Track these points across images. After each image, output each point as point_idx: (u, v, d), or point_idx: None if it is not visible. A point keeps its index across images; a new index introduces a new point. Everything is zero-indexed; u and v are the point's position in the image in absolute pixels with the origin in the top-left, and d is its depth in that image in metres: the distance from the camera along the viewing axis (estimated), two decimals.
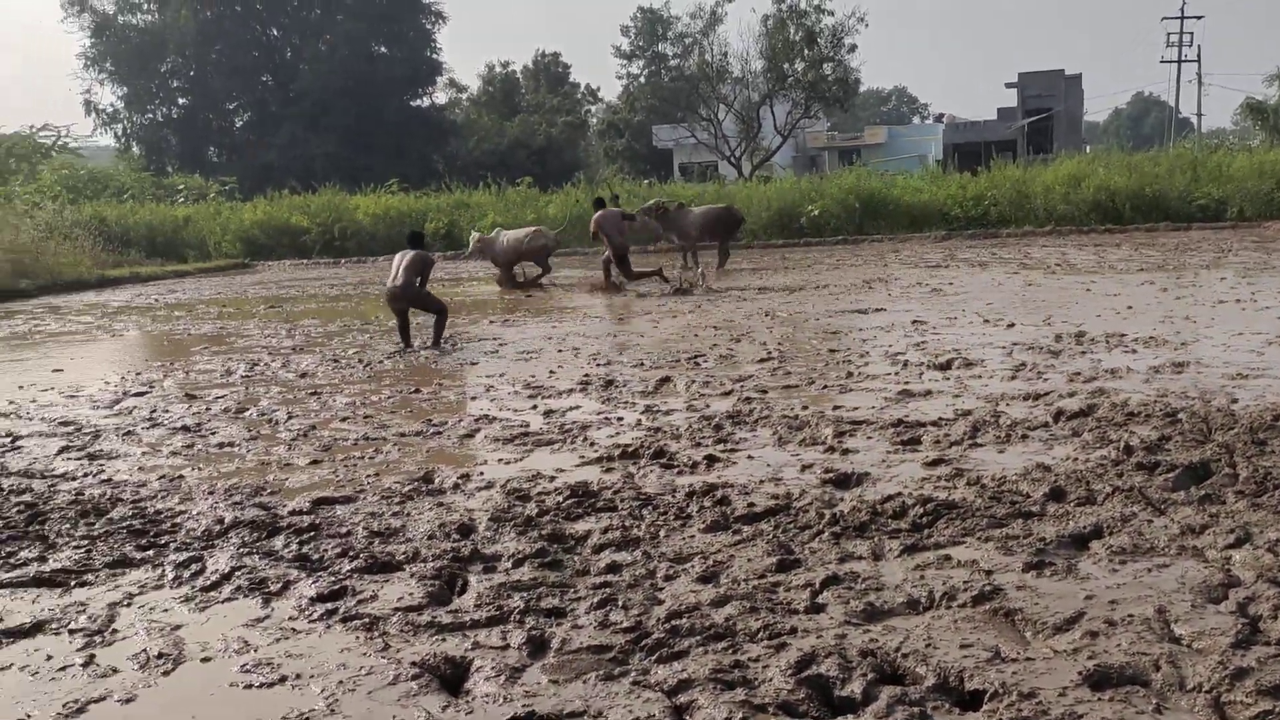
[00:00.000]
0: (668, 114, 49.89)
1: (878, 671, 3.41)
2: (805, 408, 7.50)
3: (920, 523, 4.85)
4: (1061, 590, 4.00)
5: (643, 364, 9.94)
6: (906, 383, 8.24)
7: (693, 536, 4.86)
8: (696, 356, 10.10)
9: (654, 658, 3.61)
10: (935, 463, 5.87)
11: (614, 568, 4.50)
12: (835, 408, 7.46)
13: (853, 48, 43.66)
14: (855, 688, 3.30)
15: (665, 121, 51.04)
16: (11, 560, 4.95)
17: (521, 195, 32.30)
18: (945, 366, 8.80)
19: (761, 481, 5.71)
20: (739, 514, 5.09)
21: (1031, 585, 4.07)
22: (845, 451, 6.24)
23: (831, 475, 5.72)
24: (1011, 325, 11.10)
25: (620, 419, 7.52)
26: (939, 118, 67.17)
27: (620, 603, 4.09)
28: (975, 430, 6.52)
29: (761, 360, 9.70)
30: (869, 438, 6.53)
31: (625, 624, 3.88)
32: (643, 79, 52.57)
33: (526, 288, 18.93)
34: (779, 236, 28.14)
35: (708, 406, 7.76)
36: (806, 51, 43.37)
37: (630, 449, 6.55)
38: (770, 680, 3.38)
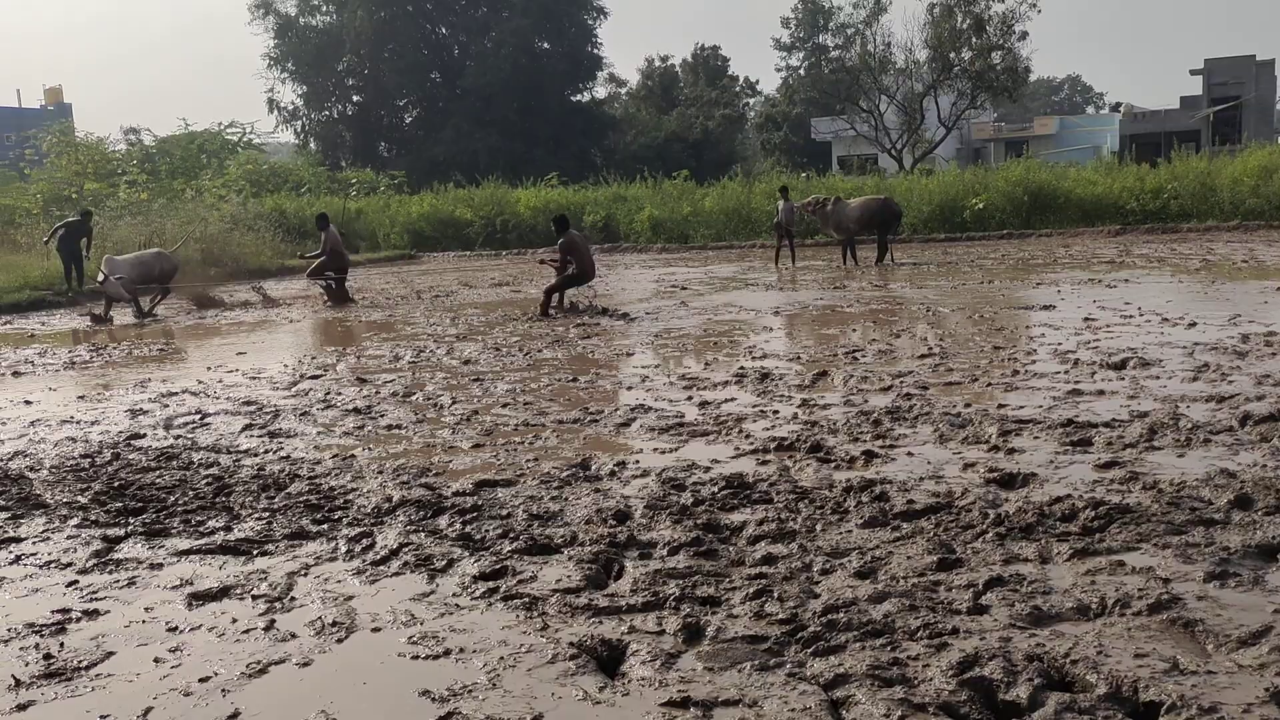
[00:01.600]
0: (827, 106, 49.19)
1: (1045, 677, 3.29)
2: (968, 405, 7.29)
3: (1091, 526, 4.65)
4: (1247, 602, 3.77)
5: (799, 358, 9.85)
6: (1077, 382, 7.91)
7: (850, 531, 4.80)
8: (854, 351, 9.94)
9: (810, 650, 3.58)
10: (1108, 465, 5.61)
11: (769, 559, 4.48)
12: (1000, 406, 7.23)
13: (1023, 35, 41.98)
14: (1021, 692, 3.20)
15: (824, 114, 50.35)
16: (201, 529, 5.29)
17: (678, 188, 32.44)
18: (1120, 366, 8.40)
19: (921, 479, 5.59)
20: (898, 510, 5.00)
21: (1214, 596, 3.85)
22: (1010, 451, 6.03)
23: (996, 475, 5.54)
24: (1193, 325, 10.51)
25: (776, 412, 7.47)
26: (1115, 107, 64.00)
27: (776, 594, 4.07)
28: (1152, 433, 6.20)
29: (922, 356, 9.48)
30: (1036, 437, 6.30)
31: (781, 615, 3.86)
32: (802, 71, 51.93)
33: (143, 316, 16.91)
34: (941, 231, 27.39)
35: (866, 402, 7.63)
36: (974, 40, 41.97)
37: (786, 442, 6.51)
38: (930, 680, 3.31)
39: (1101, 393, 7.49)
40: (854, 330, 11.46)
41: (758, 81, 77.70)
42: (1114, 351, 9.06)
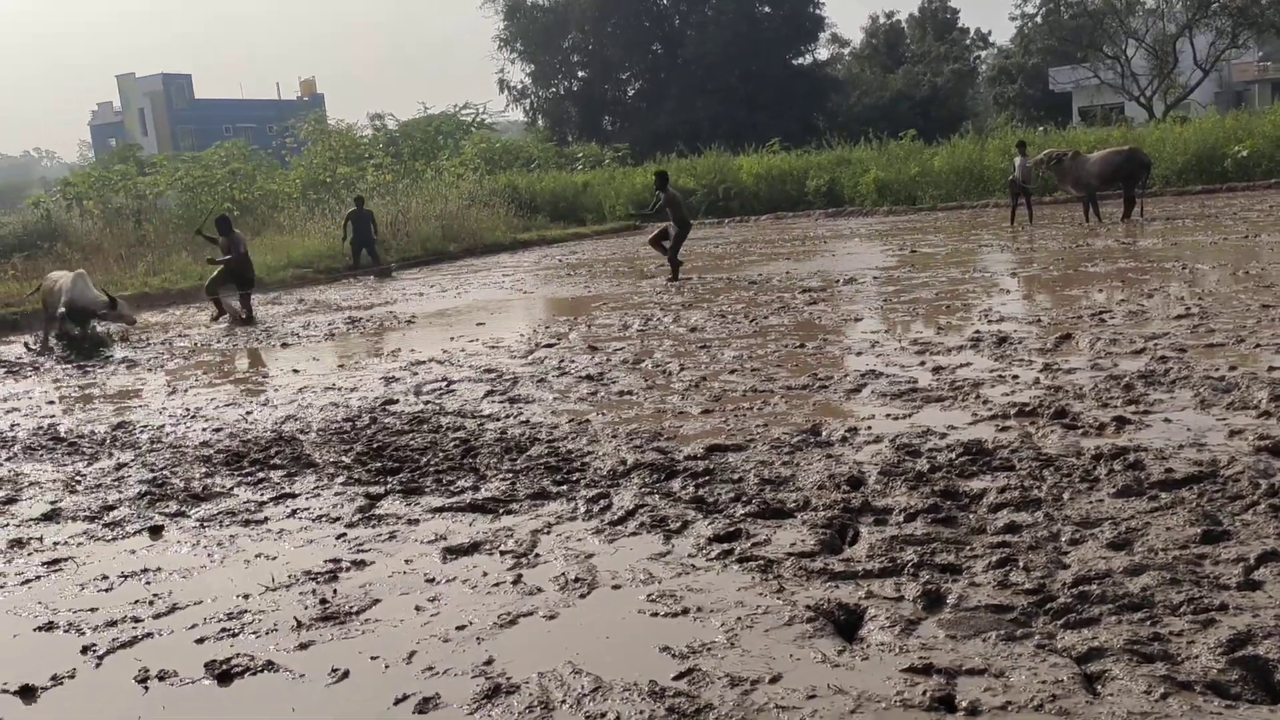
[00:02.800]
0: (1067, 54, 46.21)
1: None
2: (1233, 368, 6.74)
3: None
4: None
5: (1039, 321, 9.39)
6: None
7: (1101, 501, 4.55)
8: (1100, 313, 9.37)
9: (1060, 622, 3.44)
10: None
11: (1013, 528, 4.32)
12: (1270, 369, 6.65)
13: None
14: None
15: (1063, 63, 47.37)
16: (451, 488, 5.62)
17: (904, 149, 31.42)
18: None
19: (1181, 446, 5.22)
20: (1155, 480, 4.70)
21: None
22: None
23: (1268, 443, 5.11)
24: None
25: (1016, 377, 7.16)
26: None
27: (1021, 564, 3.92)
28: None
29: (1178, 317, 8.82)
30: None
31: (1027, 585, 3.72)
32: (1039, 18, 49.00)
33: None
34: (1197, 182, 25.29)
35: (1115, 365, 7.19)
36: None
37: (1028, 408, 6.23)
38: (1196, 657, 3.11)
39: None
40: (1099, 291, 10.80)
41: (990, 33, 73.98)
42: None
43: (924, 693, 3.07)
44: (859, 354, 8.60)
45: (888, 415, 6.48)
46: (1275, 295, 9.52)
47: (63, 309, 12.30)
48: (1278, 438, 5.17)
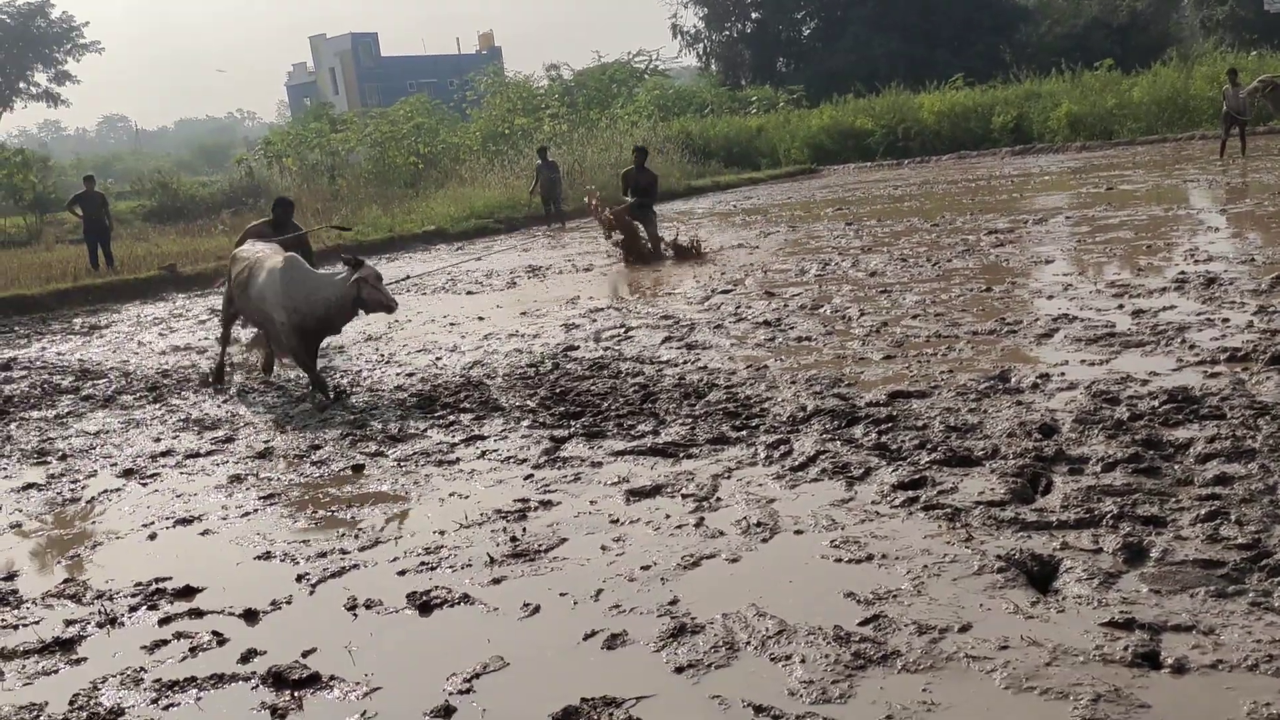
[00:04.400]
0: None
1: None
2: None
3: None
4: None
5: (1252, 260, 8.74)
6: None
7: None
8: None
9: (1278, 580, 3.23)
10: None
11: (1223, 479, 4.08)
12: None
13: None
14: None
15: None
16: (632, 432, 5.71)
17: (1100, 80, 29.60)
18: None
19: None
20: None
21: None
22: None
23: None
24: None
25: (1226, 320, 6.71)
26: None
27: (1233, 517, 3.70)
28: None
29: None
30: None
31: (1240, 540, 3.51)
32: None
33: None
34: None
35: None
36: None
37: (1240, 353, 5.84)
38: None
39: None
40: None
41: None
42: None
43: (1125, 648, 2.95)
44: (1050, 298, 8.23)
45: (1082, 361, 6.19)
46: None
47: (254, 330, 8.47)
48: None
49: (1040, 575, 3.55)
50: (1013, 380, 5.90)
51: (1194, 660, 2.87)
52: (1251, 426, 4.60)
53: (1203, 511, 3.78)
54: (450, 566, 4.14)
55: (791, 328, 8.16)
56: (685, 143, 31.85)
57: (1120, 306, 7.53)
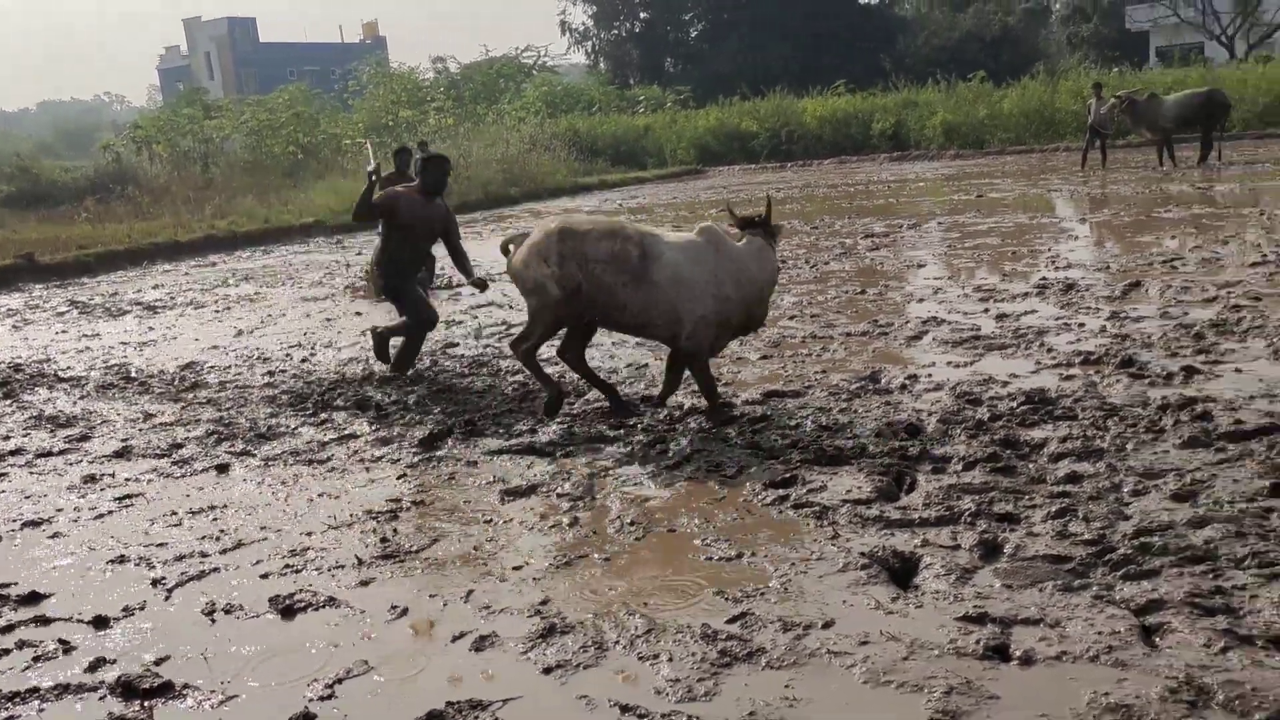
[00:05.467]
0: None
1: None
2: None
3: None
4: None
5: (1108, 267, 9.16)
6: None
7: (1166, 452, 4.46)
8: (1172, 260, 9.11)
9: (1119, 574, 3.40)
10: None
11: (1074, 478, 4.26)
12: None
13: None
14: None
15: (1141, 1, 45.70)
16: (510, 430, 5.67)
17: (973, 91, 30.63)
18: None
19: (1253, 397, 5.09)
20: (1223, 431, 4.59)
21: None
22: None
23: None
24: None
25: (1082, 325, 7.02)
26: None
27: (1081, 514, 3.87)
28: None
29: (1255, 264, 8.55)
30: None
31: (1086, 536, 3.68)
32: None
33: None
34: None
35: (1186, 314, 7.01)
36: None
37: (1093, 356, 6.12)
38: (1259, 611, 3.05)
39: None
40: (1172, 237, 10.49)
41: None
42: None
43: (977, 641, 3.06)
44: (921, 300, 8.48)
45: (949, 362, 6.40)
46: None
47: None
48: None
49: (901, 571, 3.65)
50: (882, 381, 6.06)
51: (1040, 652, 2.99)
52: (1101, 427, 4.82)
53: (1054, 509, 3.94)
54: (316, 569, 4.04)
55: None
56: (573, 140, 31.81)
57: (986, 310, 7.80)
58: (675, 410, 5.73)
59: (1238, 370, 5.61)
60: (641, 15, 53.53)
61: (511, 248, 5.76)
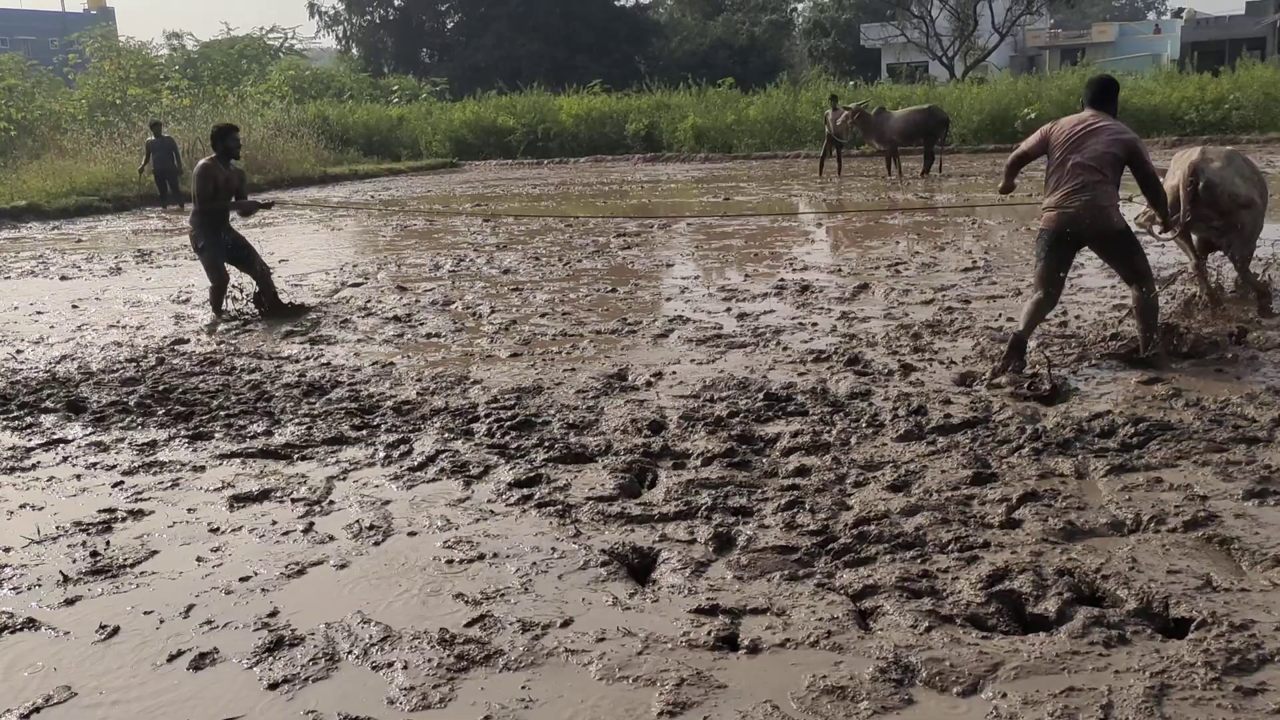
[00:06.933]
0: (877, 11, 47.71)
1: (1074, 591, 3.28)
2: (1010, 319, 7.17)
3: (1130, 443, 4.59)
4: None
5: (840, 270, 9.73)
6: (1123, 297, 7.74)
7: (884, 445, 4.78)
8: (897, 264, 9.80)
9: (840, 562, 3.60)
10: (1151, 381, 5.52)
11: (803, 471, 4.48)
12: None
13: None
14: (1049, 605, 3.19)
15: (874, 19, 48.92)
16: (243, 433, 5.38)
17: (722, 96, 31.81)
18: (1168, 282, 8.19)
19: (960, 393, 5.53)
20: (934, 424, 4.96)
21: (1252, 514, 3.80)
22: (1052, 365, 5.94)
23: (1036, 390, 5.47)
24: None
25: (815, 324, 7.41)
26: (1177, 13, 61.45)
27: (808, 506, 4.08)
28: (1198, 348, 6.07)
29: (966, 269, 9.32)
30: (1079, 351, 6.19)
31: (812, 527, 3.87)
32: None
33: None
34: (991, 141, 26.70)
35: (906, 315, 7.54)
36: None
37: (824, 355, 6.47)
38: (959, 592, 3.31)
39: None
40: (897, 242, 11.28)
41: None
42: (1162, 267, 8.85)
43: (709, 633, 3.16)
44: (669, 299, 8.72)
45: (693, 360, 6.60)
46: None
47: None
48: (1045, 385, 5.54)
49: (640, 567, 3.72)
50: (629, 378, 6.18)
51: (766, 640, 3.12)
52: (828, 422, 5.11)
53: (783, 501, 4.13)
54: (14, 588, 3.68)
55: (422, 323, 8.07)
56: (322, 128, 30.65)
57: (729, 310, 8.10)
58: (423, 409, 5.62)
59: (949, 367, 6.08)
60: (395, 2, 52.29)
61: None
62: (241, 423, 5.54)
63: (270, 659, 3.14)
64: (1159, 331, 5.86)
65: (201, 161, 8.64)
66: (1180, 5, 65.51)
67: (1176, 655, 2.89)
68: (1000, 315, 7.32)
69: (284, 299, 8.89)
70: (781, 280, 9.21)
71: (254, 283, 8.83)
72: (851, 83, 34.26)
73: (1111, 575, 3.36)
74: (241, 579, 3.70)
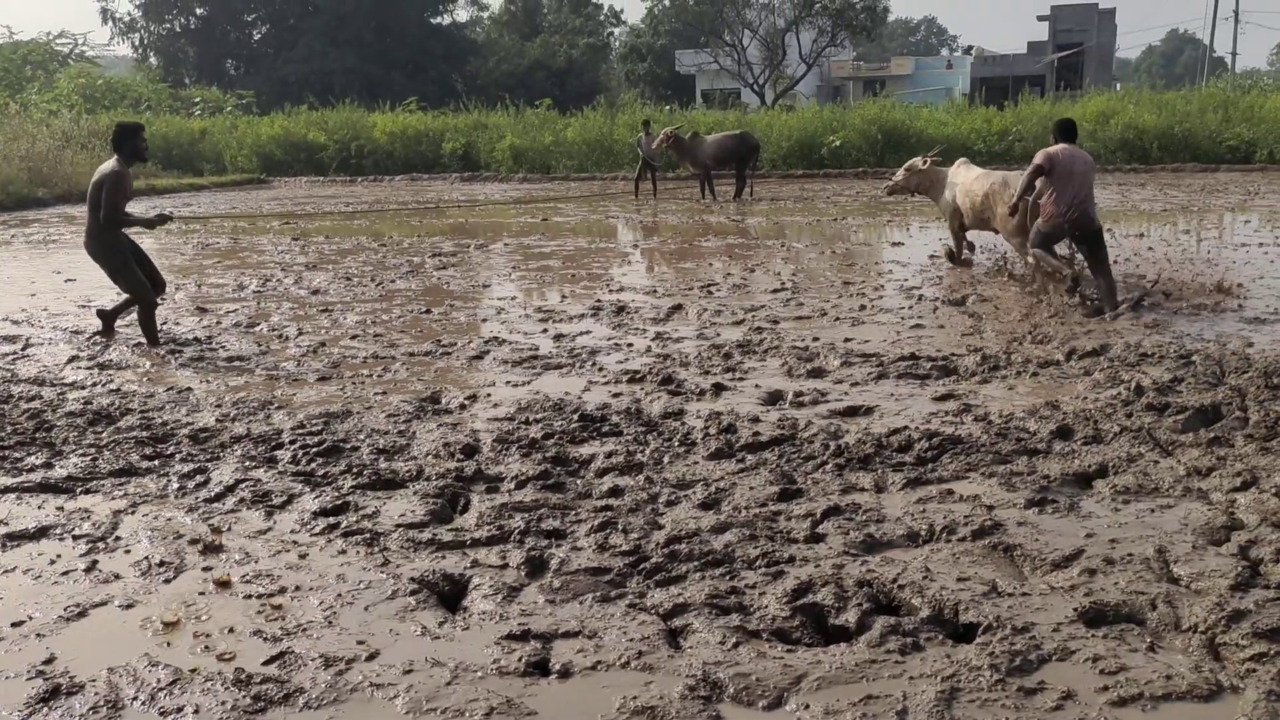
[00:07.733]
0: (691, 38, 48.98)
1: (873, 602, 3.41)
2: (816, 339, 7.45)
3: (925, 457, 4.83)
4: (1062, 528, 3.99)
5: (655, 291, 9.88)
6: (920, 317, 8.17)
7: (696, 463, 4.86)
8: (709, 285, 10.02)
9: (651, 581, 3.63)
10: (944, 398, 5.83)
11: (616, 492, 4.51)
12: (846, 340, 7.40)
13: None
14: (850, 617, 3.31)
15: (689, 46, 50.19)
16: (19, 466, 4.99)
17: (540, 117, 31.86)
18: (960, 303, 8.70)
19: (768, 411, 5.69)
20: (744, 443, 5.08)
21: (1033, 522, 4.06)
22: (854, 384, 6.20)
23: (839, 407, 5.69)
24: None
25: (630, 345, 7.49)
26: (967, 50, 65.72)
27: (620, 526, 4.09)
28: (986, 366, 6.46)
29: (775, 290, 9.62)
30: (879, 370, 6.48)
31: (624, 547, 3.89)
32: (667, 1, 51.54)
33: None
34: (799, 167, 27.75)
35: (718, 335, 7.71)
36: None
37: (638, 375, 6.53)
38: (766, 607, 3.39)
39: (942, 327, 7.76)
40: (710, 264, 11.55)
41: (623, 11, 76.66)
42: (957, 286, 9.39)
43: (520, 659, 3.12)
44: (485, 320, 8.63)
45: (508, 382, 6.54)
46: (856, 273, 10.64)
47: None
48: (848, 403, 5.77)
49: (451, 594, 3.65)
50: (443, 401, 6.07)
51: (578, 663, 3.11)
52: (642, 442, 5.16)
53: (597, 522, 4.14)
54: None
55: (223, 347, 7.71)
56: None
57: (545, 330, 8.09)
58: (221, 437, 5.36)
59: (758, 386, 6.24)
60: (197, 11, 50.13)
61: None
62: (18, 455, 5.14)
63: (46, 709, 2.91)
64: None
65: (110, 167, 7.57)
66: (970, 43, 70.12)
67: (965, 659, 3.05)
68: (806, 336, 7.58)
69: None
70: (598, 301, 9.27)
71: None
72: (668, 107, 34.93)
73: (907, 585, 3.51)
74: (14, 624, 3.42)
